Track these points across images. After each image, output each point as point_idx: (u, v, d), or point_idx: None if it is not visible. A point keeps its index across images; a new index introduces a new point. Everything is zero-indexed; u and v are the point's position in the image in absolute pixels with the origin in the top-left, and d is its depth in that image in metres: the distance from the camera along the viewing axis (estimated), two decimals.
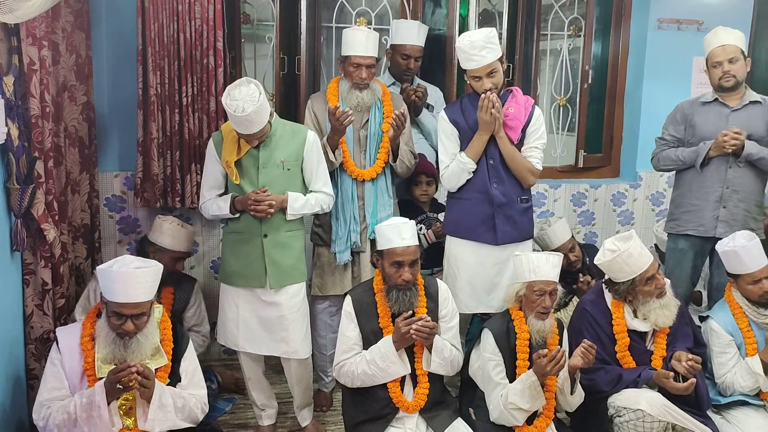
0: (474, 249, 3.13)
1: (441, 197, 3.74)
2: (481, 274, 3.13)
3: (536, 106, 3.11)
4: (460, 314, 3.12)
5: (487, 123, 2.94)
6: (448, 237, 3.23)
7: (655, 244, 4.07)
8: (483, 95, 2.91)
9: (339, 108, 3.03)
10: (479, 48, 2.90)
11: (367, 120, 3.22)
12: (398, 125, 3.11)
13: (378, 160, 3.22)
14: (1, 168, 2.60)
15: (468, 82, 3.04)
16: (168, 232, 3.25)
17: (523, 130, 3.05)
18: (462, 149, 3.07)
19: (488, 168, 3.06)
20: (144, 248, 3.26)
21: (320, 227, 3.29)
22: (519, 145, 3.06)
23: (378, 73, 3.99)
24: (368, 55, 3.09)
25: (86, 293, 3.14)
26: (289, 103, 3.96)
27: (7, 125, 2.52)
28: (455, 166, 3.07)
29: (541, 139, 3.09)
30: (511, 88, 3.11)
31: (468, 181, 3.09)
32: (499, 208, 3.07)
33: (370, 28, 3.20)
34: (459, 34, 3.98)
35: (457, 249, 3.18)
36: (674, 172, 3.53)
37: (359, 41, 3.08)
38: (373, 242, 3.20)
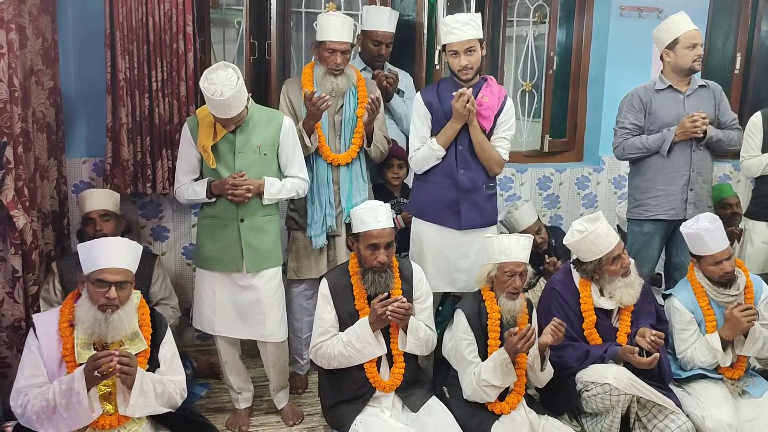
0: (438, 232, 3.19)
1: (411, 182, 3.79)
2: (445, 256, 3.19)
3: (508, 97, 3.16)
4: None
5: (461, 115, 2.99)
6: (414, 218, 3.29)
7: (617, 225, 4.20)
8: (461, 90, 2.95)
9: (315, 93, 3.04)
10: (462, 23, 2.96)
11: (342, 105, 3.24)
12: (373, 110, 3.14)
13: (353, 144, 3.25)
14: None
15: (445, 60, 3.07)
16: (84, 198, 3.22)
17: (494, 120, 3.12)
18: (434, 133, 3.12)
19: (456, 154, 3.11)
20: (82, 232, 3.22)
21: (295, 212, 3.31)
22: (489, 134, 3.13)
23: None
24: (343, 40, 3.11)
25: (48, 285, 3.11)
26: (259, 88, 3.95)
27: None
28: (425, 151, 3.12)
29: (510, 131, 3.16)
30: (486, 76, 3.16)
31: (435, 165, 3.14)
32: (464, 193, 3.13)
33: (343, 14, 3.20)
34: (428, 20, 4.06)
35: (422, 230, 3.24)
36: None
37: (334, 27, 3.09)
38: (348, 226, 3.24)
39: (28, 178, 2.90)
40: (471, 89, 2.98)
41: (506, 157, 3.17)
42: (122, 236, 2.91)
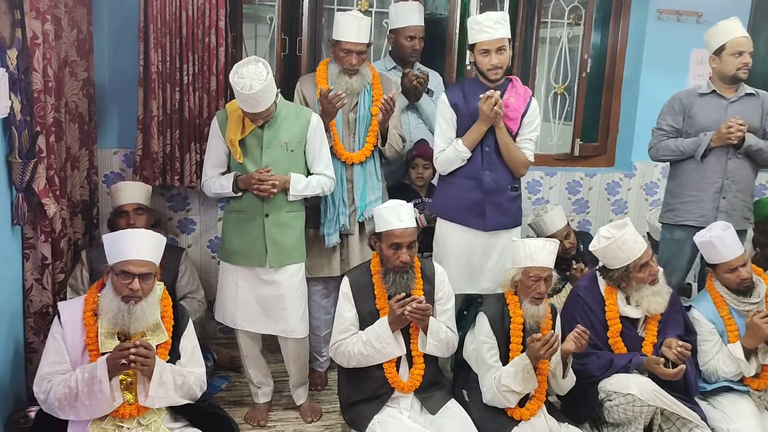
0: (463, 233, 3.17)
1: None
2: (469, 257, 3.17)
3: (533, 98, 3.13)
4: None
5: (487, 117, 2.96)
6: (438, 219, 3.26)
7: (648, 233, 4.13)
8: (488, 92, 2.92)
9: (332, 90, 3.04)
10: (494, 21, 2.94)
11: (357, 103, 3.23)
12: (387, 110, 3.12)
13: (367, 143, 3.23)
14: (3, 142, 2.61)
15: (471, 61, 3.05)
16: (119, 190, 3.25)
17: (520, 121, 3.08)
18: (459, 134, 3.10)
19: (483, 155, 3.08)
20: (113, 222, 3.26)
21: (309, 209, 3.30)
22: (514, 135, 3.09)
23: (377, 58, 4.01)
24: (359, 41, 3.09)
25: (76, 273, 3.15)
26: (289, 84, 3.94)
27: (10, 99, 2.52)
28: (450, 152, 3.10)
29: (535, 131, 3.13)
30: (510, 76, 3.12)
31: (461, 166, 3.12)
32: (489, 195, 3.10)
33: (363, 14, 3.18)
34: (460, 19, 4.03)
35: (446, 231, 3.22)
36: (669, 163, 3.55)
37: (351, 27, 3.07)
38: (361, 225, 3.24)
39: (59, 167, 2.95)
40: (497, 91, 2.95)
41: (531, 159, 3.14)
42: (151, 229, 2.94)
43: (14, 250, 2.77)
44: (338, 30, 3.11)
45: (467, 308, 3.53)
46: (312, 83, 3.25)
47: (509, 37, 2.99)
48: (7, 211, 2.68)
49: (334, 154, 3.19)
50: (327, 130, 3.11)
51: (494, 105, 2.91)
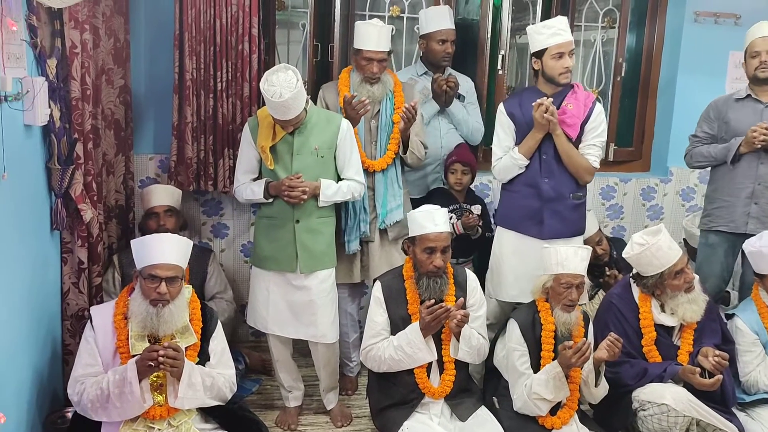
0: (520, 241, 3.16)
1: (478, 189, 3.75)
2: (525, 265, 3.14)
3: (597, 103, 3.10)
4: (502, 302, 3.21)
5: (541, 124, 2.96)
6: (498, 226, 3.28)
7: (684, 239, 4.05)
8: (539, 99, 2.92)
9: (356, 97, 3.05)
10: (565, 24, 2.97)
11: (378, 111, 3.24)
12: (409, 118, 3.11)
13: (388, 151, 3.24)
14: (42, 148, 2.68)
15: (536, 69, 3.04)
16: (150, 193, 3.33)
17: (582, 126, 3.05)
18: (518, 143, 3.09)
19: (541, 163, 3.07)
20: (144, 225, 3.32)
21: None
22: (577, 141, 3.07)
23: (408, 63, 4.01)
24: (380, 50, 3.11)
25: (108, 276, 3.22)
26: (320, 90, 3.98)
27: (49, 107, 2.59)
28: (507, 161, 3.10)
29: (599, 137, 3.10)
30: (573, 83, 3.10)
31: (519, 174, 3.12)
32: (547, 202, 3.09)
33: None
34: (492, 24, 4.01)
35: (504, 239, 3.23)
36: (709, 168, 3.50)
37: (371, 36, 3.09)
38: (382, 232, 3.24)
39: (95, 173, 3.01)
40: (551, 98, 2.94)
41: (597, 165, 3.11)
42: (179, 232, 2.99)
43: (53, 255, 2.84)
44: (359, 39, 3.14)
45: None
46: (334, 90, 3.28)
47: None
48: (47, 216, 2.75)
49: None
50: None
51: (545, 112, 2.90)
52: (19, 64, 2.36)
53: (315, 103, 3.28)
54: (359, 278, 3.30)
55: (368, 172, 3.23)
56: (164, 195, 3.34)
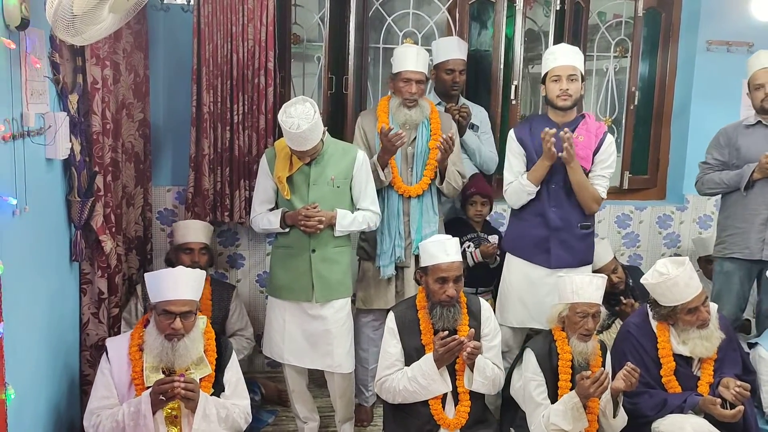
0: (528, 269, 3.18)
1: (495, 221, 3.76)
2: (533, 293, 3.16)
3: (608, 134, 3.13)
4: (513, 328, 3.19)
5: (549, 154, 2.97)
6: (507, 254, 3.29)
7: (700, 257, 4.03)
8: (545, 129, 2.94)
9: (393, 129, 3.09)
10: (568, 50, 3.04)
11: (415, 137, 3.28)
12: (446, 149, 3.15)
13: (424, 177, 3.27)
14: (63, 181, 2.73)
15: (543, 95, 3.10)
16: (187, 228, 3.35)
17: (593, 157, 3.08)
18: (528, 169, 3.12)
19: (549, 192, 3.09)
20: (175, 258, 3.33)
21: (366, 242, 3.35)
22: (587, 171, 3.09)
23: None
24: (418, 70, 3.16)
25: (130, 306, 3.24)
26: (336, 121, 4.03)
27: (70, 141, 2.65)
28: (516, 186, 3.13)
29: (608, 168, 3.13)
30: (584, 113, 3.13)
31: (528, 202, 3.13)
32: (555, 231, 3.10)
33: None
34: (504, 55, 4.06)
35: (512, 266, 3.25)
36: (720, 195, 3.49)
37: (410, 57, 3.16)
38: (417, 258, 3.24)
39: (115, 205, 3.07)
40: (565, 128, 2.95)
41: (604, 195, 3.13)
42: (208, 268, 3.03)
43: (72, 286, 2.88)
44: (397, 62, 3.21)
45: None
46: (373, 118, 3.33)
47: (582, 70, 3.03)
48: (66, 248, 2.79)
49: (392, 186, 3.25)
50: (386, 165, 3.17)
51: (550, 140, 2.92)
52: (42, 99, 2.42)
53: (339, 133, 3.33)
54: (393, 303, 3.29)
55: (404, 198, 3.27)
56: (201, 232, 3.37)
